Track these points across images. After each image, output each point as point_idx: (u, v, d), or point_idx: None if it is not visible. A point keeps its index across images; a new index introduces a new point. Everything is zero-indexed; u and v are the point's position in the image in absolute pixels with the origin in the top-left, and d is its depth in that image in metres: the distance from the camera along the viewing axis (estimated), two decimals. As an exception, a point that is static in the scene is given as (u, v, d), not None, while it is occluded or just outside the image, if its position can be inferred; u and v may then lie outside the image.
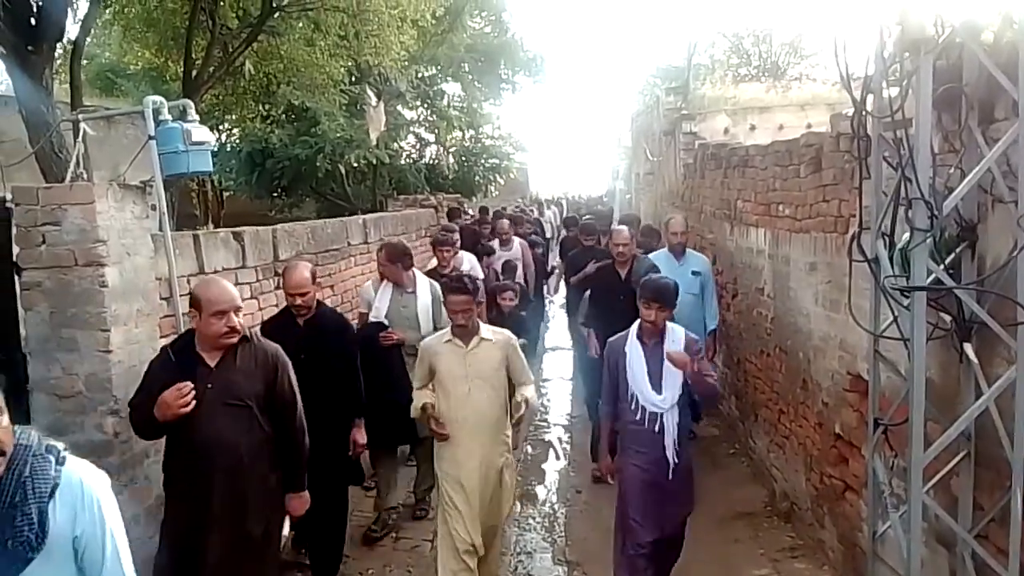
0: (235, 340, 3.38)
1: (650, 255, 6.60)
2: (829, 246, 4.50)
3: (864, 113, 3.17)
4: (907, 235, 2.96)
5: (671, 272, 5.59)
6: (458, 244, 7.58)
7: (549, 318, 13.98)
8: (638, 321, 4.11)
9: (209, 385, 3.31)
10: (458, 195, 16.09)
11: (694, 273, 6.48)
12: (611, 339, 4.28)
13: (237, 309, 3.38)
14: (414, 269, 5.87)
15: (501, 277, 8.77)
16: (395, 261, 5.63)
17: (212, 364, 3.37)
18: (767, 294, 6.01)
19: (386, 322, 5.46)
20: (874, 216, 3.20)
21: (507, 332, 4.34)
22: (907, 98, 2.90)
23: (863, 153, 3.31)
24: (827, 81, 12.26)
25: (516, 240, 10.20)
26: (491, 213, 13.60)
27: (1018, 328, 2.72)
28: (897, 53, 3.01)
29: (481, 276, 7.59)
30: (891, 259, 3.06)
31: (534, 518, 5.92)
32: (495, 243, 10.06)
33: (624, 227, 6.41)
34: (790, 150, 5.34)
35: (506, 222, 10.50)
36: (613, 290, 6.05)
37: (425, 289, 5.59)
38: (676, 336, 4.08)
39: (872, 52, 3.10)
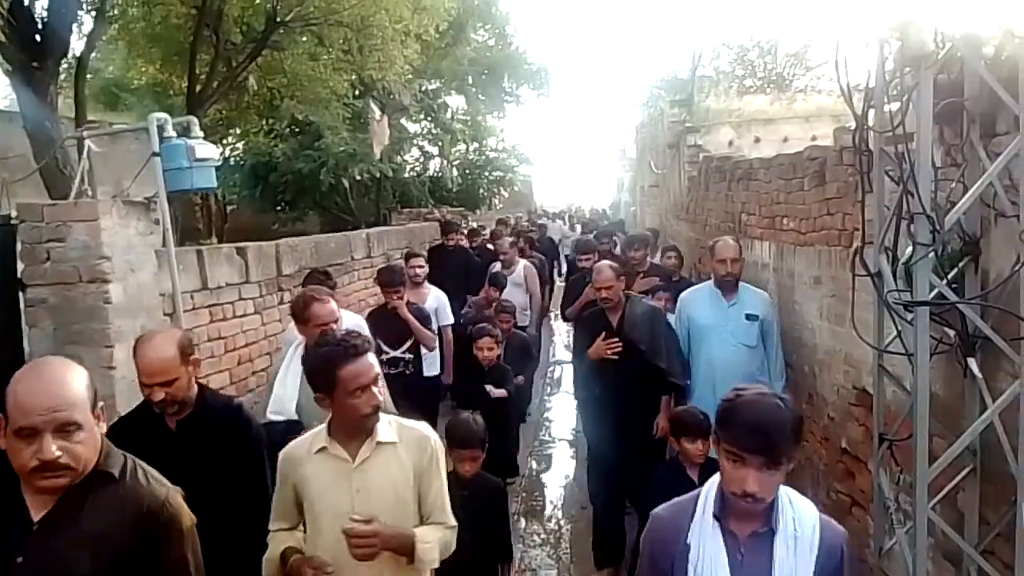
0: (63, 481, 1.83)
1: (692, 289, 5.34)
2: (833, 260, 4.49)
3: (866, 127, 3.17)
4: (910, 249, 2.95)
5: (715, 315, 4.87)
6: (421, 277, 6.52)
7: (549, 370, 11.19)
8: (711, 482, 2.08)
9: (20, 559, 1.83)
10: (462, 208, 16.14)
11: (749, 317, 4.83)
12: (660, 514, 2.18)
13: (66, 427, 1.81)
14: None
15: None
16: (298, 317, 3.80)
17: (36, 517, 1.87)
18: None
19: (297, 417, 3.65)
20: (877, 230, 3.19)
21: (423, 427, 2.64)
22: (908, 113, 2.90)
23: (865, 167, 3.31)
24: (832, 93, 12.27)
25: (520, 263, 8.44)
26: (489, 228, 12.28)
27: (1021, 343, 2.71)
28: (898, 68, 3.01)
29: (448, 321, 6.61)
30: (894, 273, 3.05)
31: (539, 534, 5.89)
32: (497, 266, 8.35)
33: (606, 266, 4.89)
34: (794, 163, 5.34)
35: (507, 240, 8.98)
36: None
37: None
38: (803, 522, 2.03)
39: (873, 66, 3.10)
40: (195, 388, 2.99)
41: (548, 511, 6.34)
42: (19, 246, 3.96)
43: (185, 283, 4.55)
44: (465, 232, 10.15)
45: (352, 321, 4.38)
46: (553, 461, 7.55)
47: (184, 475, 2.29)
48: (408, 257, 6.86)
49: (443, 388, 6.69)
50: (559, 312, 9.16)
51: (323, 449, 2.52)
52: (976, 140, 2.91)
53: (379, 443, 2.51)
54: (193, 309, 4.69)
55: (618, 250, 8.51)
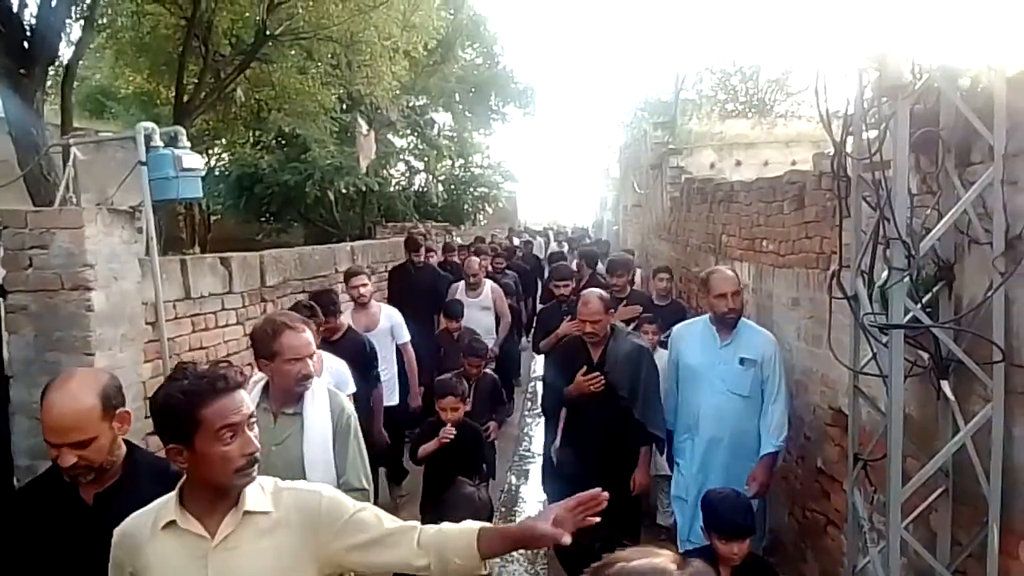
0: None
1: (687, 324, 4.77)
2: (811, 282, 4.57)
3: (844, 154, 3.24)
4: (886, 273, 3.01)
5: (704, 356, 4.33)
6: (367, 298, 5.79)
7: (529, 385, 10.72)
8: None
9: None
10: (447, 223, 16.19)
11: (744, 362, 4.24)
12: None
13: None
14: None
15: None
16: (261, 350, 3.06)
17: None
18: (751, 328, 6.05)
19: None
20: (854, 254, 3.25)
21: (316, 489, 2.03)
22: (885, 141, 2.97)
23: (843, 192, 3.38)
24: (812, 119, 12.46)
25: (487, 284, 7.92)
26: (465, 245, 11.78)
27: (993, 367, 2.77)
28: (875, 97, 3.08)
29: (405, 339, 6.03)
30: (870, 297, 3.11)
31: (517, 550, 5.89)
32: (459, 287, 7.85)
33: (594, 297, 4.34)
34: (774, 187, 5.43)
35: (475, 260, 8.28)
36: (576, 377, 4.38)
37: (322, 404, 3.08)
38: None
39: (852, 95, 3.18)
40: (121, 450, 2.31)
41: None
42: (1, 252, 3.94)
43: (168, 292, 4.55)
44: (434, 247, 9.38)
45: (335, 365, 3.99)
46: (532, 476, 7.54)
47: (100, 564, 1.95)
48: (348, 276, 5.88)
49: (410, 416, 6.16)
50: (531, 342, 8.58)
51: (171, 524, 1.87)
52: (951, 169, 2.99)
53: (247, 513, 1.88)
54: (175, 318, 4.68)
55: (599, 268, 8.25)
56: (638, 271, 9.48)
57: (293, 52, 11.14)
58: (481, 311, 7.49)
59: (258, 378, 3.05)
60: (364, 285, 5.74)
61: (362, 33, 10.38)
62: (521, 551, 5.81)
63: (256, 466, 1.88)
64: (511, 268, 11.14)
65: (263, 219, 16.45)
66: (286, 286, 6.31)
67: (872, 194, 3.05)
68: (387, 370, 5.69)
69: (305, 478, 2.72)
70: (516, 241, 19.31)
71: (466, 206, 19.53)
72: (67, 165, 4.59)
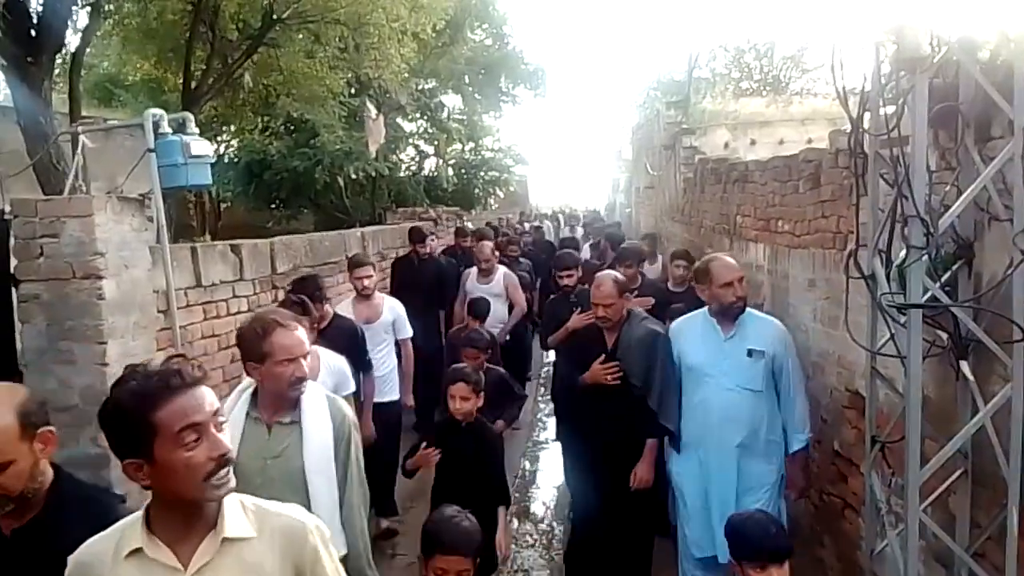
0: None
1: (683, 319, 4.31)
2: (828, 262, 4.51)
3: (861, 131, 3.18)
4: (904, 252, 2.96)
5: (708, 352, 3.97)
6: (370, 290, 5.52)
7: (543, 370, 10.40)
8: None
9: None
10: (457, 208, 16.15)
11: (752, 354, 3.89)
12: None
13: None
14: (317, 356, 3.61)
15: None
16: (250, 352, 2.73)
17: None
18: (766, 309, 6.00)
19: None
20: (871, 233, 3.20)
21: (295, 512, 1.82)
22: (903, 116, 2.90)
23: (860, 170, 3.31)
24: (828, 96, 12.33)
25: (500, 271, 7.58)
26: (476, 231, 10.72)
27: (1014, 346, 2.72)
28: (893, 71, 3.01)
29: (406, 334, 5.77)
30: (888, 276, 3.05)
31: (532, 535, 5.90)
32: (471, 274, 7.61)
33: (608, 279, 4.21)
34: (789, 166, 5.36)
35: (488, 245, 7.76)
36: (591, 364, 4.27)
37: (321, 411, 2.78)
38: None
39: (868, 70, 3.11)
40: (45, 476, 2.02)
41: (540, 512, 6.35)
42: (12, 241, 3.95)
43: (179, 280, 4.55)
44: (444, 233, 8.93)
45: (333, 363, 3.81)
46: (546, 462, 7.54)
47: None
48: (353, 266, 5.61)
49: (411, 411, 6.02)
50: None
51: (137, 552, 1.63)
52: (971, 144, 2.93)
53: (226, 540, 1.66)
54: (187, 306, 4.68)
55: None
56: (659, 257, 9.27)
57: (300, 36, 11.08)
58: (493, 299, 7.14)
59: (245, 385, 2.78)
60: (368, 276, 5.49)
61: (369, 15, 10.31)
62: (536, 536, 5.83)
63: (230, 470, 1.64)
64: (526, 256, 10.58)
65: (273, 206, 16.46)
66: (296, 272, 6.30)
67: (890, 171, 2.99)
68: (386, 364, 5.52)
69: (307, 491, 2.63)
70: (526, 226, 19.19)
71: (477, 190, 19.46)
72: (76, 153, 4.58)
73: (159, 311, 4.34)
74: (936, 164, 3.12)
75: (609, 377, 4.14)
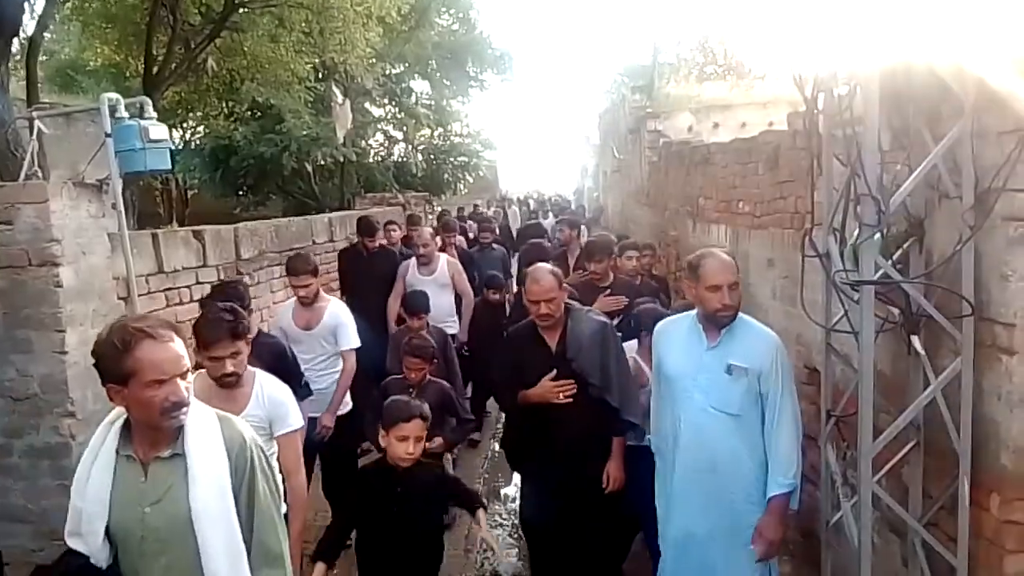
0: None
1: (671, 320, 3.61)
2: (786, 242, 4.58)
3: (815, 112, 3.23)
4: (857, 231, 3.02)
5: (685, 360, 3.34)
6: (310, 298, 4.80)
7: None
8: None
9: None
10: (427, 193, 16.08)
11: (732, 371, 3.21)
12: None
13: None
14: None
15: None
16: (109, 370, 2.13)
17: None
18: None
19: (106, 546, 2.20)
20: (826, 212, 3.26)
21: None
22: (856, 97, 2.96)
23: (816, 151, 3.37)
24: (789, 79, 12.41)
25: (442, 259, 6.75)
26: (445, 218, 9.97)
27: (963, 321, 2.79)
28: (845, 53, 3.07)
29: (351, 344, 4.90)
30: (842, 254, 3.11)
31: (501, 515, 5.94)
32: (410, 265, 6.71)
33: (544, 271, 3.71)
34: (749, 148, 5.43)
35: (427, 231, 7.06)
36: (535, 372, 3.70)
37: (211, 438, 2.21)
38: None
39: (823, 52, 3.16)
40: None
41: (511, 492, 6.39)
42: (-34, 229, 3.88)
43: (140, 267, 4.50)
44: (394, 229, 7.86)
45: (271, 392, 3.26)
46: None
47: None
48: (290, 274, 4.83)
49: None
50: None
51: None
52: (921, 124, 2.99)
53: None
54: (148, 293, 4.64)
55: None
56: None
57: (264, 20, 10.92)
58: (439, 290, 6.31)
59: (114, 415, 2.23)
60: (307, 285, 4.75)
61: (334, -1, 10.22)
62: (506, 515, 5.87)
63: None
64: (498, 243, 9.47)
65: (240, 192, 16.28)
66: (262, 259, 6.27)
67: (843, 151, 3.04)
68: (324, 377, 4.86)
69: (196, 542, 2.11)
70: (490, 211, 19.00)
71: (446, 176, 19.40)
72: (31, 139, 4.51)
73: (119, 298, 4.30)
74: (889, 144, 3.18)
75: (561, 395, 3.61)
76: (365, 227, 7.06)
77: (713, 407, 3.24)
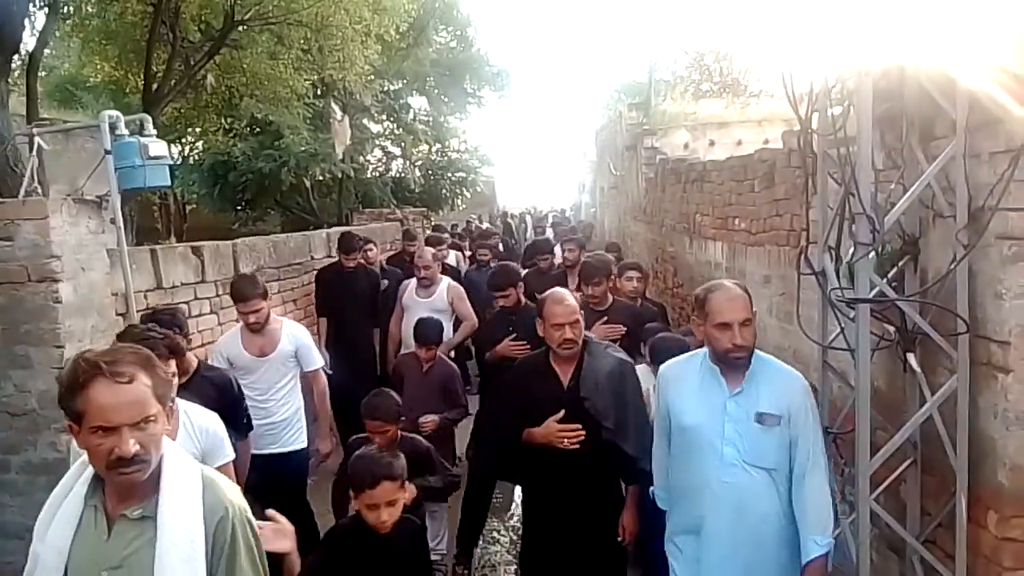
0: None
1: (677, 361, 3.13)
2: (782, 259, 4.60)
3: (809, 131, 3.26)
4: (852, 249, 3.04)
5: (706, 410, 2.88)
6: (260, 324, 4.37)
7: None
8: None
9: None
10: (424, 208, 16.12)
11: (763, 419, 2.83)
12: None
13: None
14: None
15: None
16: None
17: None
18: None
19: None
20: (821, 230, 3.28)
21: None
22: (849, 117, 2.99)
23: (811, 169, 3.40)
24: (784, 97, 12.48)
25: (444, 282, 6.24)
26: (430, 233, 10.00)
27: (958, 339, 2.81)
28: (840, 73, 3.10)
29: (314, 365, 4.64)
30: (837, 272, 3.14)
31: (499, 531, 5.92)
32: (409, 286, 6.26)
33: (563, 291, 3.46)
34: (745, 165, 5.46)
35: (429, 251, 6.53)
36: (542, 408, 3.34)
37: (189, 503, 1.90)
38: None
39: (816, 72, 3.19)
40: None
41: (510, 509, 6.37)
42: (-34, 245, 3.89)
43: (139, 282, 4.51)
44: (372, 248, 7.34)
45: (201, 422, 2.94)
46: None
47: None
48: (237, 299, 4.38)
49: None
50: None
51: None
52: (915, 143, 3.02)
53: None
54: (147, 309, 4.63)
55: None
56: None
57: (263, 37, 10.98)
58: (437, 315, 5.72)
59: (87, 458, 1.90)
60: (256, 311, 4.30)
61: (332, 17, 10.26)
62: (504, 531, 5.85)
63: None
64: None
65: (239, 208, 16.29)
66: (260, 274, 6.27)
67: (838, 170, 3.07)
68: (288, 404, 4.54)
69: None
70: (484, 226, 18.90)
71: (444, 191, 19.44)
72: (31, 155, 4.53)
73: (118, 314, 4.30)
74: (883, 163, 3.21)
75: (567, 441, 3.26)
76: (344, 244, 6.63)
77: (747, 462, 2.82)
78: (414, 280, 6.24)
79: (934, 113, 2.93)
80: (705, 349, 2.97)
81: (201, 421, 2.91)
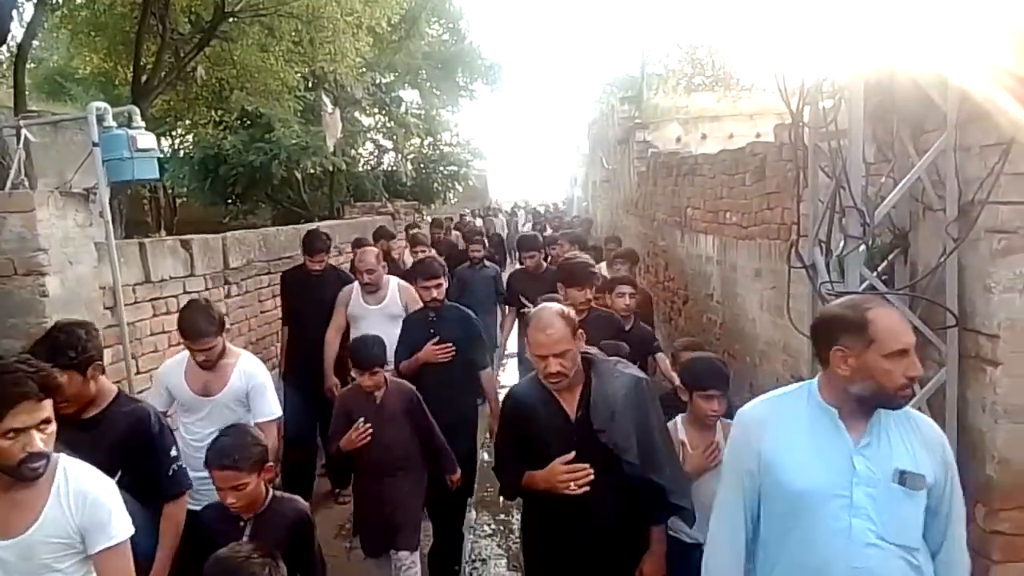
0: None
1: (772, 398, 2.39)
2: (773, 253, 4.61)
3: (801, 124, 3.26)
4: (843, 242, 3.04)
5: (827, 469, 2.14)
6: (212, 361, 3.58)
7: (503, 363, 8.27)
8: None
9: None
10: (416, 202, 16.09)
11: (906, 479, 2.11)
12: None
13: None
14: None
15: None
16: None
17: None
18: (716, 300, 6.11)
19: None
20: (811, 224, 3.28)
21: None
22: (840, 110, 2.99)
23: (801, 163, 3.40)
24: (776, 91, 12.51)
25: (392, 283, 5.41)
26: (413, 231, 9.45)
27: (947, 332, 2.82)
28: (831, 67, 3.10)
29: (268, 416, 3.66)
30: (828, 266, 3.14)
31: (489, 525, 5.93)
32: (353, 291, 5.43)
33: (552, 312, 2.80)
34: (736, 159, 5.46)
35: (372, 252, 5.48)
36: (549, 446, 2.83)
37: None
38: None
39: (808, 65, 3.19)
40: None
41: (499, 502, 6.37)
42: (-49, 238, 3.85)
43: (127, 276, 4.48)
44: (329, 249, 6.14)
45: (88, 483, 2.26)
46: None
47: None
48: (188, 335, 3.56)
49: None
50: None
51: None
52: (905, 137, 3.02)
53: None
54: (135, 303, 4.61)
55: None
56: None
57: (254, 29, 10.91)
58: (387, 323, 4.97)
59: None
60: (208, 348, 3.55)
61: (323, 9, 10.21)
62: (494, 526, 5.86)
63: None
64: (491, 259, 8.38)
65: (229, 201, 16.21)
66: (250, 268, 6.25)
67: (829, 163, 3.07)
68: None
69: None
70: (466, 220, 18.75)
71: (436, 185, 19.41)
72: (18, 147, 4.49)
73: (106, 308, 4.27)
74: (873, 156, 3.22)
75: (574, 484, 2.74)
76: (307, 243, 5.86)
77: (886, 540, 2.12)
78: (356, 285, 5.45)
79: (925, 107, 2.93)
80: (808, 384, 2.29)
81: (82, 485, 2.23)
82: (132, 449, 2.84)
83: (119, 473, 2.71)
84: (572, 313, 2.86)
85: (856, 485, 2.12)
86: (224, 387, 3.66)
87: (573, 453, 2.75)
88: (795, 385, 2.37)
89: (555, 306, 2.89)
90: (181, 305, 5.04)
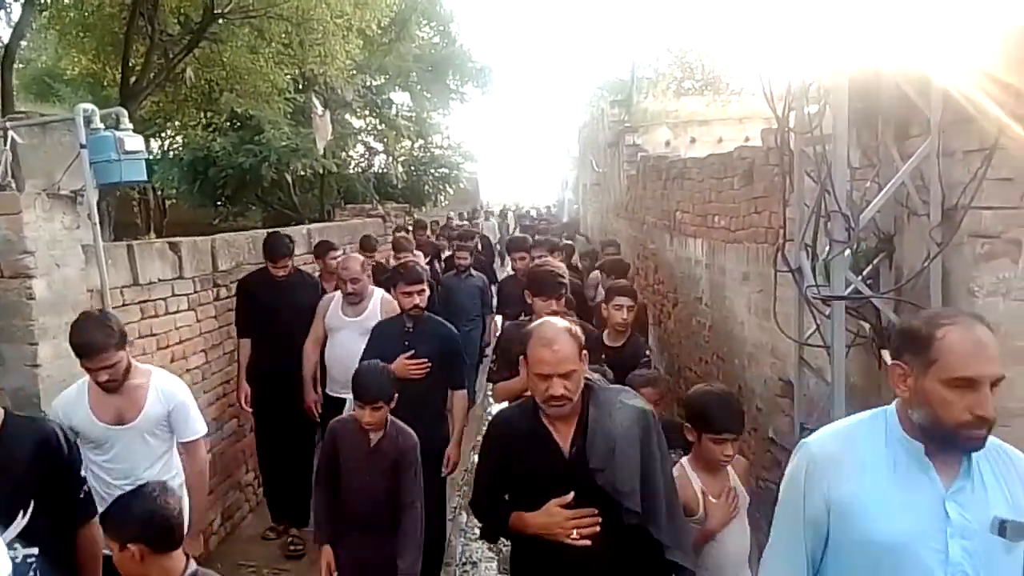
0: None
1: (839, 430, 1.98)
2: (760, 256, 4.63)
3: (787, 129, 3.29)
4: (828, 246, 3.07)
5: (915, 513, 1.77)
6: (119, 382, 3.14)
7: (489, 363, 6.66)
8: None
9: None
10: (407, 204, 16.06)
11: (1007, 529, 1.73)
12: None
13: None
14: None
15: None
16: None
17: None
18: (704, 303, 6.13)
19: None
20: (797, 228, 3.31)
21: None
22: (825, 115, 3.01)
23: (787, 167, 3.42)
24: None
25: (376, 295, 5.01)
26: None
27: (931, 335, 2.84)
28: (816, 71, 3.13)
29: (192, 434, 3.34)
30: (814, 269, 3.17)
31: (479, 527, 5.93)
32: (334, 301, 5.08)
33: (557, 327, 2.43)
34: (724, 163, 5.49)
35: (356, 259, 5.15)
36: (538, 485, 2.47)
37: None
38: None
39: (794, 70, 3.22)
40: None
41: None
42: (-63, 240, 3.83)
43: (115, 279, 4.45)
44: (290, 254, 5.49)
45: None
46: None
47: None
48: (81, 353, 3.12)
49: None
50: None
51: None
52: (890, 141, 3.05)
53: None
54: (123, 305, 4.58)
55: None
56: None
57: (244, 31, 10.91)
58: (362, 338, 4.49)
59: None
60: (111, 366, 3.08)
61: (313, 11, 10.21)
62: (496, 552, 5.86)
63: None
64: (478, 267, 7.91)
65: (219, 203, 16.14)
66: (239, 270, 6.22)
67: (814, 168, 3.09)
68: (174, 478, 3.34)
69: None
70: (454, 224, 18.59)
71: (427, 187, 19.36)
72: (4, 149, 4.46)
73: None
74: (858, 161, 3.24)
75: (576, 533, 2.37)
76: (269, 248, 5.29)
77: None
78: (338, 294, 5.07)
79: (909, 112, 2.96)
80: (884, 412, 1.91)
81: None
82: (30, 475, 2.46)
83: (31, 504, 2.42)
84: (579, 330, 2.49)
85: (951, 537, 1.77)
86: (140, 413, 3.22)
87: (572, 494, 2.38)
88: (868, 413, 1.97)
89: (560, 321, 2.53)
90: (169, 308, 5.08)
